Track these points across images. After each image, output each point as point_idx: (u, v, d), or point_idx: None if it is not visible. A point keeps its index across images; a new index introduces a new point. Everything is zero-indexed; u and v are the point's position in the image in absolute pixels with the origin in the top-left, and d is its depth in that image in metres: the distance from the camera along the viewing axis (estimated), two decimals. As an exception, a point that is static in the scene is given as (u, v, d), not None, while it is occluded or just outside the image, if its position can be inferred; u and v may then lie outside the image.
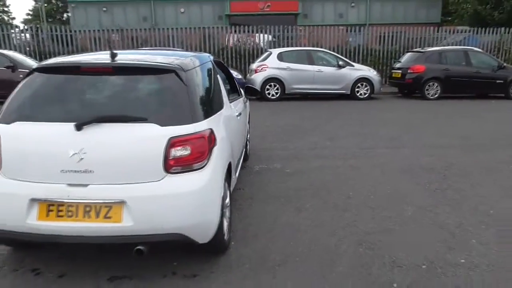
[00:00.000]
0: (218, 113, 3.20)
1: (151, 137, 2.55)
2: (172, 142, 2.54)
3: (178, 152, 2.55)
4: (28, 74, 2.88)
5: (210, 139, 2.70)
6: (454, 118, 9.34)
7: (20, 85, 2.83)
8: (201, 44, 15.27)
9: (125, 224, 2.48)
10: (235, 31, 15.72)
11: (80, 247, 3.04)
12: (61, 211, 2.51)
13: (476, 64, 12.09)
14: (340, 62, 11.86)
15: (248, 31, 15.66)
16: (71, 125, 2.51)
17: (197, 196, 2.60)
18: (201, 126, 2.68)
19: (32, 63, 11.68)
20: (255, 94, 11.62)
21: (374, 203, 4.12)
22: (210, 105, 3.06)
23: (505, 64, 12.59)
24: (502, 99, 12.34)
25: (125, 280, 2.75)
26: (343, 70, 11.71)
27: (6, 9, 48.27)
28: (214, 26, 16.68)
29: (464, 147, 6.48)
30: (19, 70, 10.86)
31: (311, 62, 11.72)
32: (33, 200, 2.51)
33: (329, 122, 8.84)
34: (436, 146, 6.52)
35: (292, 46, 15.27)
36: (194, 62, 3.18)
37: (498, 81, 12.06)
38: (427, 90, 11.91)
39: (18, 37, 15.54)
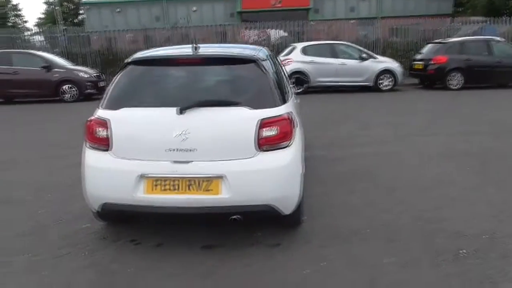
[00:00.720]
0: (291, 99, 3.51)
1: (244, 119, 2.86)
2: (262, 123, 2.85)
3: (267, 132, 2.86)
4: (123, 67, 3.19)
5: (292, 120, 3.00)
6: (479, 107, 9.52)
7: (118, 77, 3.16)
8: (217, 41, 15.58)
9: (223, 196, 2.80)
10: (250, 28, 16.04)
11: (173, 220, 3.43)
12: (166, 185, 2.84)
13: (497, 54, 12.22)
14: (363, 55, 12.10)
15: (263, 27, 15.98)
16: (174, 110, 2.83)
17: (285, 171, 2.90)
18: (283, 109, 2.99)
19: (64, 63, 12.11)
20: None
21: (420, 184, 4.38)
22: (285, 91, 3.37)
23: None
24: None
25: (217, 248, 3.07)
26: (366, 63, 11.94)
27: (19, 13, 49.05)
28: (229, 24, 17.00)
29: (495, 134, 6.69)
30: (54, 70, 11.29)
31: (335, 55, 11.97)
32: (141, 176, 2.84)
33: (358, 112, 9.10)
34: (469, 133, 6.74)
35: (304, 41, 15.47)
36: (265, 54, 3.49)
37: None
38: (449, 80, 12.08)
39: (37, 39, 16.05)
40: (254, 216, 3.05)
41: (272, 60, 3.74)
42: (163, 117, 2.88)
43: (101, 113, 3.01)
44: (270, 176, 2.87)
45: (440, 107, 9.57)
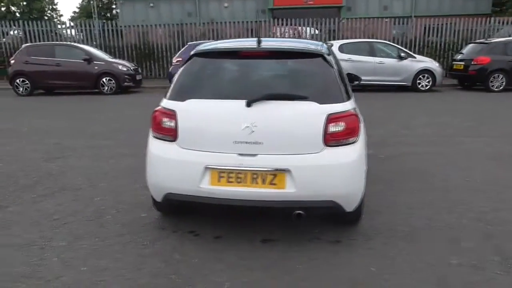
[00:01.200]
0: (353, 95, 3.45)
1: (312, 113, 2.83)
2: (330, 118, 2.80)
3: (335, 127, 2.81)
4: (188, 59, 3.20)
5: (358, 117, 2.95)
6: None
7: (183, 68, 3.17)
8: (248, 37, 15.62)
9: (288, 190, 2.78)
10: (283, 24, 16.10)
11: (229, 213, 3.43)
12: (231, 177, 2.84)
13: (542, 55, 11.78)
14: (402, 54, 11.86)
15: (295, 25, 16.03)
16: (241, 102, 2.82)
17: (351, 167, 2.86)
18: (350, 105, 2.94)
19: (104, 55, 12.35)
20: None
21: (473, 185, 4.25)
22: (348, 87, 3.31)
23: None
24: None
25: (277, 242, 3.06)
26: (405, 62, 11.71)
27: (54, 7, 50.47)
28: (261, 20, 17.04)
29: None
30: (94, 62, 11.53)
31: (372, 54, 11.78)
32: (207, 168, 2.84)
33: (399, 112, 8.93)
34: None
35: (336, 39, 15.30)
36: (328, 48, 3.44)
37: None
38: (491, 82, 11.71)
39: (71, 33, 16.49)
40: (317, 212, 3.01)
41: (333, 55, 3.70)
42: (231, 109, 2.88)
43: (167, 103, 3.04)
44: (336, 172, 2.83)
45: (483, 109, 9.29)
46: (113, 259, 2.84)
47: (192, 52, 3.27)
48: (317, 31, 17.19)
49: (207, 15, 27.09)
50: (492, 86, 11.76)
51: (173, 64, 11.65)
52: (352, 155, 2.87)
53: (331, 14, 21.83)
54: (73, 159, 5.27)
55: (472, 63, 11.82)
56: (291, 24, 15.93)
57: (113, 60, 12.34)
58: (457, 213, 3.56)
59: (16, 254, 2.90)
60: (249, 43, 3.34)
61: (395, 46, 12.35)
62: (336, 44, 11.99)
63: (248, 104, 2.82)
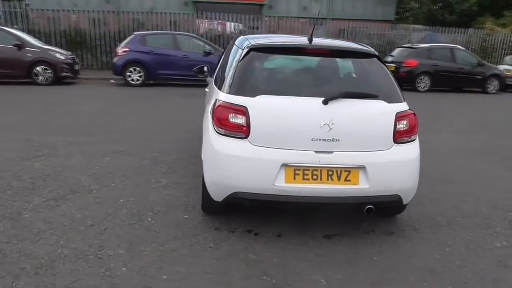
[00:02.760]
0: None
1: (383, 112, 2.96)
2: (398, 117, 2.97)
3: (402, 125, 2.98)
4: (246, 53, 3.10)
5: (416, 115, 3.15)
6: (456, 109, 10.39)
7: (241, 63, 3.06)
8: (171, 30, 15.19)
9: (362, 186, 2.88)
10: (206, 18, 16.10)
11: (287, 210, 3.45)
12: (306, 174, 2.85)
13: (459, 61, 13.37)
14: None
15: (219, 19, 16.14)
16: (318, 100, 2.84)
17: (414, 163, 3.05)
18: (407, 104, 3.12)
19: (36, 42, 11.14)
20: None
21: (464, 178, 4.76)
22: None
23: (484, 62, 14.04)
24: (479, 93, 13.85)
25: (339, 237, 3.15)
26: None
27: None
28: (184, 12, 16.81)
29: (491, 132, 7.39)
30: (27, 49, 10.34)
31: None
32: (283, 165, 2.82)
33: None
34: (465, 132, 7.39)
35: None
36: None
37: (477, 76, 13.47)
38: (418, 83, 12.98)
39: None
40: (382, 206, 3.15)
41: None
42: (308, 106, 2.88)
43: (235, 99, 2.92)
44: (404, 168, 3.00)
45: (419, 107, 10.27)
46: (189, 264, 2.69)
47: (246, 46, 3.16)
48: (244, 27, 17.37)
49: (126, 4, 25.71)
50: (419, 86, 13.03)
51: (118, 54, 10.93)
52: (415, 152, 3.07)
53: (254, 11, 22.23)
54: (60, 158, 4.74)
55: (403, 65, 12.97)
56: (215, 19, 15.99)
57: (49, 47, 11.16)
58: (472, 202, 3.97)
59: (77, 267, 2.58)
60: (302, 40, 3.35)
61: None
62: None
63: (325, 102, 2.85)
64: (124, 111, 7.84)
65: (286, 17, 20.21)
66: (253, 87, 2.98)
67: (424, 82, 13.02)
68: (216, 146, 2.95)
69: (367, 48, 3.31)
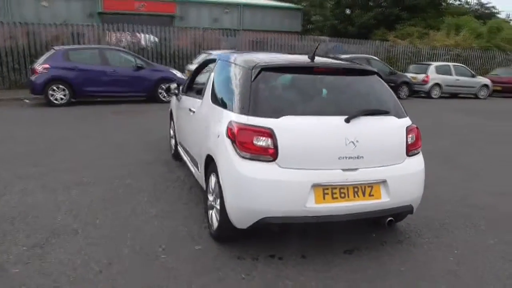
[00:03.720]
0: None
1: (395, 127, 3.10)
2: (408, 131, 3.12)
3: (411, 138, 3.14)
4: (257, 74, 3.01)
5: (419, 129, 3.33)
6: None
7: (256, 83, 2.98)
8: (73, 43, 14.24)
9: (383, 200, 2.97)
10: (114, 30, 15.38)
11: (294, 229, 3.37)
12: (335, 193, 2.86)
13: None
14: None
15: (129, 30, 15.54)
16: (341, 118, 2.87)
17: (423, 173, 3.23)
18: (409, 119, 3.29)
19: None
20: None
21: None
22: None
23: (395, 71, 15.42)
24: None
25: (357, 251, 3.19)
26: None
27: None
28: (89, 24, 15.92)
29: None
30: None
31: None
32: (313, 186, 2.78)
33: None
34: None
35: (170, 47, 15.60)
36: None
37: (390, 84, 14.60)
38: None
39: None
40: (397, 216, 3.24)
41: None
42: (333, 125, 2.89)
43: (258, 121, 2.82)
44: (416, 179, 3.16)
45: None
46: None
47: (255, 66, 3.08)
48: (156, 39, 16.93)
49: (19, 14, 23.45)
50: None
51: (37, 71, 9.85)
52: (422, 163, 3.25)
53: (164, 23, 21.77)
54: (17, 195, 4.11)
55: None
56: (123, 31, 15.26)
57: None
58: (454, 204, 4.30)
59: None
60: (303, 58, 3.36)
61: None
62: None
63: (348, 120, 2.89)
64: (64, 135, 7.09)
65: (197, 28, 20.16)
66: (274, 108, 2.90)
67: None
68: (242, 170, 2.81)
69: (367, 66, 3.43)
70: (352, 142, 2.86)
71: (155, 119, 8.84)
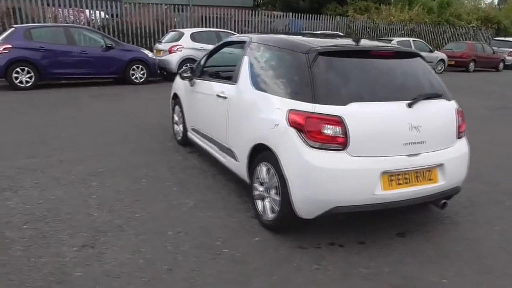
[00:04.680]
0: None
1: (448, 109, 3.19)
2: (458, 113, 3.22)
3: (459, 121, 3.24)
4: (315, 58, 2.94)
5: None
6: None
7: (316, 69, 2.91)
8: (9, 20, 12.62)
9: (440, 183, 3.06)
10: (59, 5, 13.76)
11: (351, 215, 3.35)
12: (399, 179, 2.90)
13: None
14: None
15: (75, 6, 14.06)
16: (402, 103, 2.90)
17: (468, 155, 3.34)
18: None
19: None
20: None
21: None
22: None
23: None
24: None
25: (409, 234, 3.27)
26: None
27: None
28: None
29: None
30: None
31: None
32: (382, 173, 2.81)
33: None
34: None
35: (119, 24, 14.73)
36: None
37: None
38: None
39: None
40: (448, 198, 3.33)
41: None
42: (397, 111, 2.91)
43: (326, 109, 2.77)
44: (464, 160, 3.27)
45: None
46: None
47: (309, 50, 3.00)
48: (106, 15, 15.94)
49: None
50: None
51: (-1, 52, 9.00)
52: (467, 145, 3.36)
53: None
54: (34, 190, 3.79)
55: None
56: (70, 6, 13.77)
57: None
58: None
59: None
60: (349, 41, 3.33)
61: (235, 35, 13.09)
62: (187, 32, 11.74)
63: (410, 105, 2.92)
64: (47, 121, 6.59)
65: (148, 3, 19.15)
66: (339, 94, 2.87)
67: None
68: (311, 160, 2.76)
69: (412, 49, 3.46)
70: (415, 127, 2.90)
71: (138, 103, 8.48)
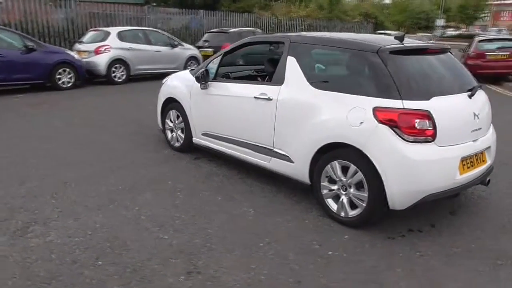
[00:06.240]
0: None
1: (486, 98, 3.65)
2: (489, 101, 3.65)
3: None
4: (386, 57, 3.10)
5: None
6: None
7: (392, 67, 3.06)
8: None
9: (488, 163, 3.48)
10: None
11: None
12: (468, 163, 3.21)
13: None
14: (175, 42, 12.22)
15: None
16: (464, 95, 3.24)
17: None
18: None
19: None
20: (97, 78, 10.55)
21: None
22: None
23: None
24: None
25: (458, 211, 3.63)
26: (177, 50, 12.15)
27: None
28: None
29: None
30: None
31: (149, 42, 11.51)
32: (461, 159, 3.09)
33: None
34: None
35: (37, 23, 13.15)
36: None
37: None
38: (237, 65, 13.98)
39: None
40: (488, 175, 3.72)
41: None
42: (463, 102, 3.24)
43: (415, 104, 2.94)
44: (495, 144, 3.70)
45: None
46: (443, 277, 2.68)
47: (379, 50, 3.15)
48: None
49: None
50: (238, 68, 14.04)
51: None
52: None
53: None
54: (62, 220, 3.24)
55: (221, 49, 13.58)
56: None
57: None
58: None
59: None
60: (390, 38, 3.52)
61: (166, 34, 12.51)
62: (113, 31, 10.83)
63: (470, 96, 3.25)
64: (3, 137, 5.61)
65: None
66: (421, 90, 3.07)
67: (240, 64, 14.06)
68: (409, 154, 2.91)
69: (446, 46, 3.80)
70: (477, 115, 3.24)
71: (90, 109, 7.70)
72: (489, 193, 4.02)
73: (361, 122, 3.05)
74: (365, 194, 3.11)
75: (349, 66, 3.41)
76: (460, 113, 3.18)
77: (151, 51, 11.42)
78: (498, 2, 57.23)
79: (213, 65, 4.52)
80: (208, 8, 21.42)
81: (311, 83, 3.47)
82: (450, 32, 34.76)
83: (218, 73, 4.54)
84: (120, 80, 10.78)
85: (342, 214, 3.30)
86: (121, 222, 3.27)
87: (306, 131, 3.42)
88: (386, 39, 3.59)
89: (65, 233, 3.07)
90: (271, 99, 3.72)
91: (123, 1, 23.02)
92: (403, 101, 2.94)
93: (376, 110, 3.00)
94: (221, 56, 4.48)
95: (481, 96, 3.49)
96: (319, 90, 3.40)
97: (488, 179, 3.54)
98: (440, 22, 33.96)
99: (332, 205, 3.37)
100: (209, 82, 4.44)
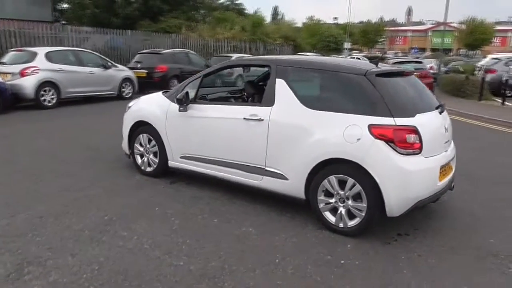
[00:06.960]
0: None
1: (447, 114, 4.09)
2: None
3: None
4: (374, 79, 3.47)
5: None
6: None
7: (380, 88, 3.44)
8: None
9: (453, 170, 3.95)
10: None
11: None
12: (443, 171, 3.64)
13: (194, 62, 15.05)
14: (108, 63, 11.74)
15: None
16: (436, 112, 3.73)
17: None
18: None
19: None
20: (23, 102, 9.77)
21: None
22: None
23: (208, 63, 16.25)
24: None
25: (407, 237, 3.86)
26: (111, 71, 11.69)
27: None
28: None
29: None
30: None
31: (80, 63, 10.93)
32: (440, 167, 3.52)
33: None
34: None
35: None
36: None
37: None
38: (170, 85, 13.77)
39: None
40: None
41: None
42: (437, 118, 3.71)
43: (405, 121, 3.30)
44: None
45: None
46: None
47: (367, 73, 3.50)
48: None
49: None
50: (171, 87, 13.85)
51: None
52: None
53: None
54: (61, 257, 3.02)
55: (155, 71, 13.38)
56: None
57: None
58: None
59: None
60: (369, 65, 3.87)
61: (98, 55, 11.96)
62: (40, 52, 10.06)
63: (440, 112, 3.74)
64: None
65: None
66: (406, 108, 3.44)
67: (175, 85, 13.93)
68: (404, 165, 3.24)
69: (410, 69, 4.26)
70: (446, 129, 3.74)
71: (29, 136, 7.09)
72: (449, 198, 4.52)
73: (358, 139, 3.31)
74: (363, 205, 3.37)
75: (339, 87, 3.68)
76: (436, 128, 3.62)
77: (83, 72, 10.85)
78: (393, 28, 64.77)
79: (192, 87, 4.53)
80: (126, 28, 20.92)
81: (304, 104, 3.67)
82: (356, 54, 37.99)
83: (201, 96, 4.55)
84: (50, 104, 10.05)
85: (341, 225, 3.51)
86: (125, 253, 3.13)
87: (302, 148, 3.59)
88: (363, 63, 3.95)
89: (68, 271, 2.86)
90: (262, 120, 3.85)
91: (28, 18, 21.42)
92: (395, 118, 3.27)
93: (371, 127, 3.28)
94: (200, 78, 4.50)
95: (445, 112, 3.98)
96: (313, 110, 3.62)
97: (453, 184, 4.02)
98: (347, 45, 36.81)
99: (330, 217, 3.57)
100: (189, 105, 4.43)
